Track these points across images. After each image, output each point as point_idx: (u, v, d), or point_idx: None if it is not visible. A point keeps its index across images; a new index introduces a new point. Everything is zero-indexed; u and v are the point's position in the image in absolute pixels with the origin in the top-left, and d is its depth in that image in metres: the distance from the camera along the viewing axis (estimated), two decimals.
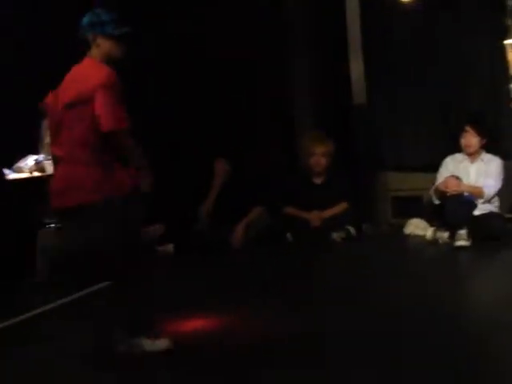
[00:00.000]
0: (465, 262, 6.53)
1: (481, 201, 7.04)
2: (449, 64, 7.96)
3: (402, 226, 7.62)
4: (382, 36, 8.16)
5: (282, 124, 8.34)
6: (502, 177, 7.14)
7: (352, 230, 7.55)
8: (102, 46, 4.22)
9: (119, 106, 4.07)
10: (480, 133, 7.19)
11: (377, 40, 8.16)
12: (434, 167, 7.39)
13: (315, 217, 7.54)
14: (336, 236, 7.46)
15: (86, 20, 4.27)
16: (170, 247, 7.47)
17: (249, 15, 7.97)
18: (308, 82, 8.30)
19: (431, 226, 7.27)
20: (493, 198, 7.10)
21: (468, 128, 7.20)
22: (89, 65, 4.22)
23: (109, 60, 4.23)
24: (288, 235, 7.54)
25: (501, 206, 7.20)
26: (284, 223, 7.63)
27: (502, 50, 7.97)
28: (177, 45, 7.72)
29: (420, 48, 8.02)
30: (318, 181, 7.78)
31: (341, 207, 7.59)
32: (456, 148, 7.30)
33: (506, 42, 7.99)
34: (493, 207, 7.12)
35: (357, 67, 8.22)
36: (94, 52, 4.22)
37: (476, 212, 6.99)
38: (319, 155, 7.71)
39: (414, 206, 7.78)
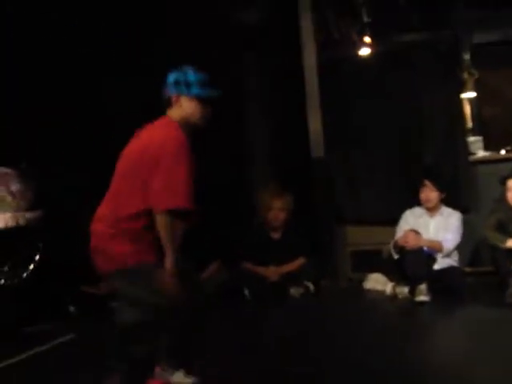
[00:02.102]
0: (425, 318, 6.40)
1: (440, 255, 6.97)
2: (407, 117, 7.96)
3: (362, 281, 7.52)
4: (340, 89, 8.13)
5: (241, 178, 8.23)
6: (461, 231, 7.10)
7: (310, 285, 7.41)
8: (185, 107, 4.03)
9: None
10: (438, 187, 7.17)
11: (335, 93, 8.12)
12: (394, 221, 7.33)
13: (272, 272, 7.41)
14: (294, 292, 7.32)
15: (171, 77, 4.07)
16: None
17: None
18: (267, 136, 8.23)
19: (391, 280, 7.18)
20: (452, 252, 7.04)
21: (426, 182, 7.17)
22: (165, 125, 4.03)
23: (187, 123, 4.03)
24: (245, 291, 7.38)
25: (460, 260, 7.14)
26: (241, 279, 7.47)
27: (459, 103, 8.00)
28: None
29: (378, 101, 8.00)
30: (275, 236, 7.66)
31: (299, 262, 7.46)
32: (415, 202, 7.26)
33: (463, 95, 8.03)
34: (452, 261, 7.05)
35: (315, 121, 8.15)
36: (175, 112, 4.05)
37: (436, 266, 6.93)
38: (277, 210, 7.61)
39: (373, 261, 7.69)
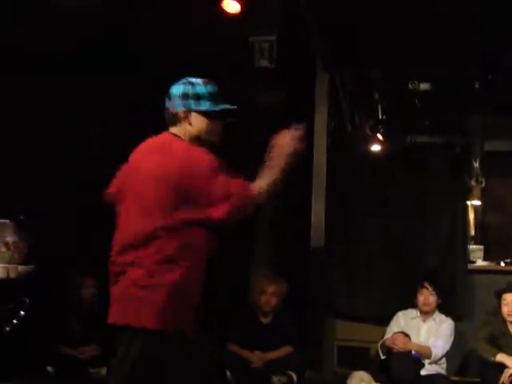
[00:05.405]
0: None
1: (428, 361, 6.86)
2: (410, 218, 7.94)
3: (346, 377, 7.36)
4: (346, 182, 8.13)
5: (238, 258, 8.16)
6: (451, 339, 7.01)
7: (294, 375, 7.24)
8: (195, 124, 3.55)
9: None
10: (438, 291, 7.11)
11: (341, 185, 8.11)
12: (386, 320, 7.24)
13: (258, 358, 7.25)
14: (277, 381, 7.15)
15: (177, 90, 3.57)
16: (104, 370, 7.16)
17: None
18: (267, 216, 8.18)
19: (375, 380, 7.03)
20: (440, 359, 6.93)
21: (427, 285, 7.11)
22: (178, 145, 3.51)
23: (199, 142, 3.55)
24: (228, 374, 7.23)
25: (448, 368, 7.02)
26: (226, 361, 7.32)
27: (464, 209, 7.98)
28: None
29: (383, 200, 7.99)
30: (265, 320, 7.54)
31: (285, 350, 7.30)
32: (409, 303, 7.18)
33: (469, 202, 8.01)
34: (440, 368, 6.93)
35: (319, 212, 8.08)
36: (182, 130, 3.56)
37: (422, 372, 6.80)
38: (270, 295, 7.49)
39: (360, 358, 7.58)
